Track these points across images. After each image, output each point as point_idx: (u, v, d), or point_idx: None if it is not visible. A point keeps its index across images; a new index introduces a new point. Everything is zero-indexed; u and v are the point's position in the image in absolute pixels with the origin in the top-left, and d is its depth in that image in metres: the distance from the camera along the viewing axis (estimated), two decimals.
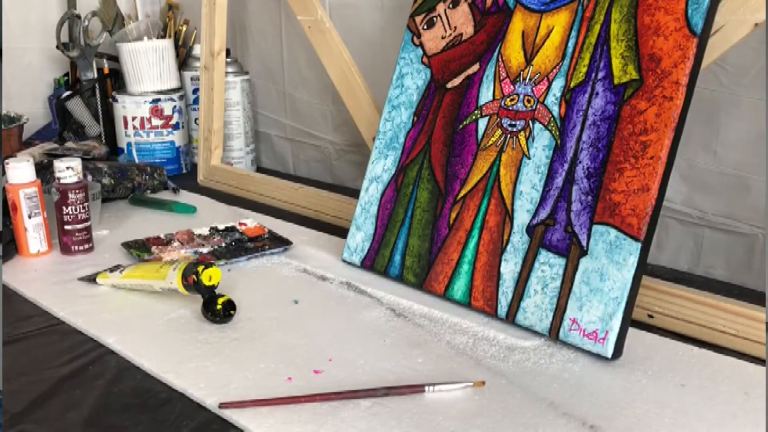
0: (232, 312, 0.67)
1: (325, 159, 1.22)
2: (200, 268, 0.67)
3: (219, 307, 0.66)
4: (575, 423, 0.52)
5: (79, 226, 0.85)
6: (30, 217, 0.84)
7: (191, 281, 0.67)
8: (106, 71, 1.33)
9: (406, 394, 0.55)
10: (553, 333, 0.63)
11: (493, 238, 0.69)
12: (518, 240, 0.67)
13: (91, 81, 1.31)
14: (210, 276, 0.67)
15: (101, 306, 0.72)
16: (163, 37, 1.29)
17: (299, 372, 0.59)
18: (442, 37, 0.77)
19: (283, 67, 1.23)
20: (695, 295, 0.66)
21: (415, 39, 0.79)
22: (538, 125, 0.68)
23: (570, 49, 0.67)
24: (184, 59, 1.31)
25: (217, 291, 0.68)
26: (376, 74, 1.00)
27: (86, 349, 0.64)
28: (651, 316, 0.68)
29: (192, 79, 1.28)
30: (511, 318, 0.66)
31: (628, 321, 0.60)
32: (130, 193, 1.08)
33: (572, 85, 0.66)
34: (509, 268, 0.67)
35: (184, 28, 1.34)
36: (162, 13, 1.36)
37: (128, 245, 0.86)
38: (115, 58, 1.30)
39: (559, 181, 0.65)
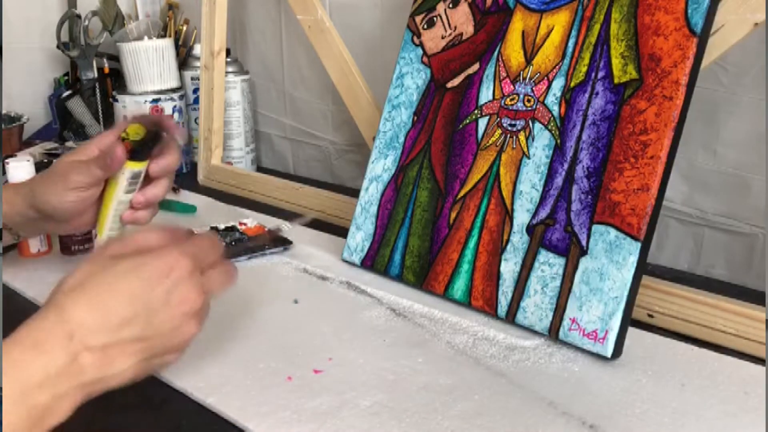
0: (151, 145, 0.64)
1: (325, 159, 1.22)
2: (123, 135, 0.63)
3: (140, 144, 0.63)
4: (575, 422, 0.52)
5: None
6: None
7: (130, 150, 0.63)
8: (107, 71, 1.33)
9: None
10: (553, 332, 0.63)
11: (492, 237, 0.69)
12: (518, 240, 0.67)
13: (91, 80, 1.31)
14: (135, 131, 0.63)
15: None
16: (164, 36, 1.29)
17: (299, 371, 0.59)
18: (442, 37, 0.77)
19: (283, 66, 1.23)
20: (695, 295, 0.66)
21: (415, 38, 0.80)
22: (538, 125, 0.68)
23: (570, 49, 0.67)
24: (184, 59, 1.31)
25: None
26: (376, 74, 1.00)
27: None
28: (651, 316, 0.68)
29: (192, 78, 1.28)
30: (510, 317, 0.66)
31: (628, 320, 0.60)
32: None
33: (572, 84, 0.66)
34: (509, 267, 0.67)
35: (184, 28, 1.34)
36: (162, 12, 1.36)
37: None
38: (115, 58, 1.30)
39: (558, 180, 0.65)
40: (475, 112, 0.73)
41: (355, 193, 0.84)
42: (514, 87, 0.70)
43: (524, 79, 0.70)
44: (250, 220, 0.93)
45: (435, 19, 0.78)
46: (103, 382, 0.44)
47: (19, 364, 0.41)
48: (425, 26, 0.79)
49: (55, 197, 0.64)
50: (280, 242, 0.87)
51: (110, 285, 0.45)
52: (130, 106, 1.21)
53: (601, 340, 0.60)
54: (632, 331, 0.63)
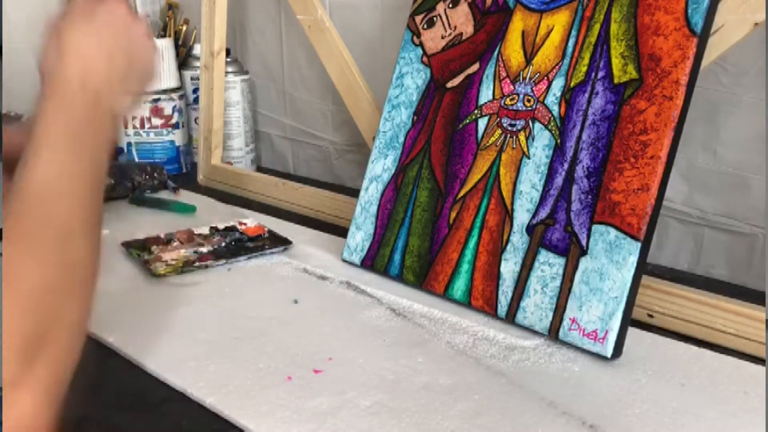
0: None
1: (325, 158, 1.22)
2: None
3: None
4: (575, 422, 0.52)
5: None
6: None
7: None
8: None
9: None
10: (553, 332, 0.63)
11: (492, 237, 0.69)
12: (518, 239, 0.67)
13: None
14: None
15: (100, 304, 0.71)
16: (163, 36, 1.29)
17: (299, 371, 0.59)
18: (442, 37, 0.77)
19: (283, 66, 1.23)
20: (695, 295, 0.66)
21: (414, 38, 0.80)
22: (538, 125, 0.68)
23: (570, 49, 0.67)
24: (184, 59, 1.31)
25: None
26: (376, 74, 1.00)
27: (86, 349, 0.64)
28: (651, 316, 0.68)
29: (192, 78, 1.28)
30: (510, 317, 0.66)
31: (628, 320, 0.60)
32: (130, 193, 1.08)
33: (572, 84, 0.66)
34: (509, 267, 0.67)
35: (184, 28, 1.33)
36: (162, 12, 1.36)
37: (128, 245, 0.86)
38: None
39: (558, 180, 0.65)
40: (475, 112, 0.73)
41: (355, 193, 0.84)
42: (514, 87, 0.70)
43: (524, 79, 0.70)
44: (250, 220, 0.93)
45: (435, 19, 0.78)
46: (117, 109, 0.53)
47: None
48: (425, 26, 0.79)
49: None
50: (280, 242, 0.87)
51: (84, 39, 0.52)
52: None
53: (601, 340, 0.60)
54: (632, 331, 0.63)
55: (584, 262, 0.62)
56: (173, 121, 1.23)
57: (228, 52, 1.19)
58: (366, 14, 1.07)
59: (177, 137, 1.24)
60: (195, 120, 1.28)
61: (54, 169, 0.45)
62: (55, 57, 0.51)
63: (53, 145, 0.46)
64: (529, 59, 0.70)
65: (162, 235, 0.88)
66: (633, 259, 0.60)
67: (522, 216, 0.67)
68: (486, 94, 0.72)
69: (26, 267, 0.40)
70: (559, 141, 0.66)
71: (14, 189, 0.43)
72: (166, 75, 1.23)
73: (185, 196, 1.09)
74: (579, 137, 0.64)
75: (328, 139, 1.20)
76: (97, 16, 0.55)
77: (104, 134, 0.51)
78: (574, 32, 0.67)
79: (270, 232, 0.90)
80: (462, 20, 0.76)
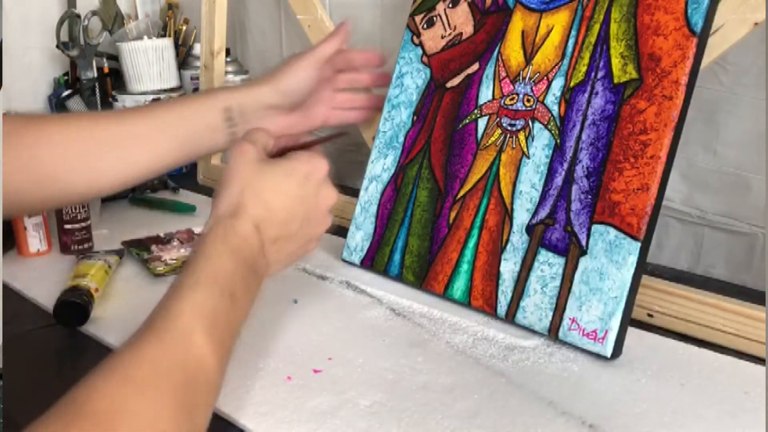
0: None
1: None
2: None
3: None
4: (574, 422, 0.52)
5: (78, 225, 0.85)
6: (29, 216, 0.84)
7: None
8: (106, 70, 1.33)
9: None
10: (553, 332, 0.63)
11: (492, 237, 0.69)
12: (518, 239, 0.67)
13: (91, 80, 1.31)
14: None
15: (100, 305, 0.72)
16: (163, 36, 1.29)
17: (299, 371, 0.59)
18: (442, 37, 0.77)
19: None
20: (695, 295, 0.66)
21: (414, 38, 0.79)
22: (537, 125, 0.68)
23: (570, 49, 0.67)
24: (183, 58, 1.31)
25: None
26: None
27: (86, 349, 0.64)
28: (651, 316, 0.68)
29: (192, 78, 1.28)
30: (510, 317, 0.66)
31: (628, 320, 0.60)
32: (129, 193, 1.08)
33: (572, 84, 0.66)
34: (509, 267, 0.67)
35: (184, 28, 1.34)
36: (162, 12, 1.36)
37: (128, 244, 0.86)
38: (115, 58, 1.30)
39: (558, 180, 0.65)
40: (475, 111, 0.73)
41: (355, 193, 0.84)
42: (514, 87, 0.70)
43: (524, 78, 0.70)
44: None
45: (435, 18, 0.78)
46: (270, 269, 0.54)
47: (223, 254, 0.48)
48: (425, 26, 0.79)
49: (294, 75, 0.74)
50: None
51: (273, 187, 0.53)
52: (129, 105, 1.21)
53: (600, 340, 0.60)
54: (632, 331, 0.63)
55: (584, 262, 0.62)
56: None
57: (228, 52, 1.19)
58: (366, 14, 1.07)
59: None
60: None
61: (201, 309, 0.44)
62: (240, 192, 0.52)
63: (208, 285, 0.45)
64: (528, 59, 0.70)
65: (162, 235, 0.88)
66: (633, 259, 0.60)
67: (522, 216, 0.67)
68: (486, 93, 0.72)
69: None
70: (558, 141, 0.66)
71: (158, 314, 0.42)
72: (166, 75, 1.23)
73: (185, 196, 1.09)
74: (579, 137, 0.64)
75: None
76: (297, 172, 0.54)
77: (254, 288, 0.51)
78: (573, 32, 0.67)
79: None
80: (462, 20, 0.76)
